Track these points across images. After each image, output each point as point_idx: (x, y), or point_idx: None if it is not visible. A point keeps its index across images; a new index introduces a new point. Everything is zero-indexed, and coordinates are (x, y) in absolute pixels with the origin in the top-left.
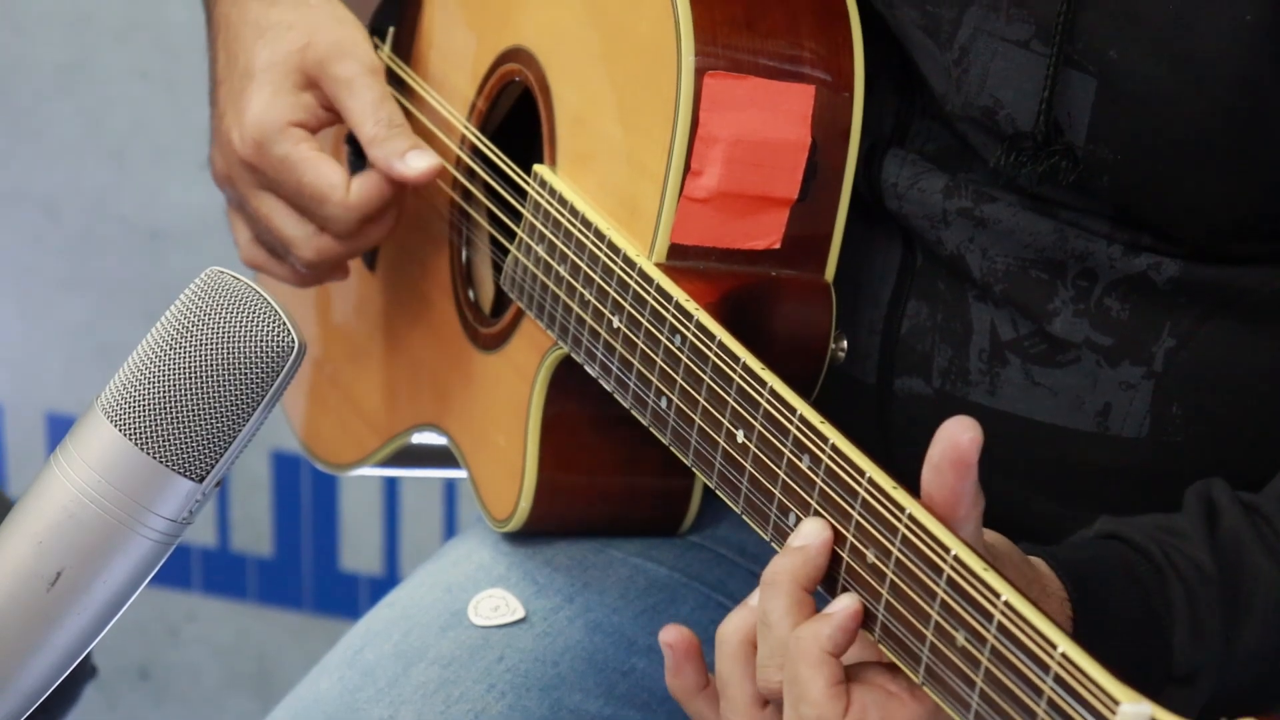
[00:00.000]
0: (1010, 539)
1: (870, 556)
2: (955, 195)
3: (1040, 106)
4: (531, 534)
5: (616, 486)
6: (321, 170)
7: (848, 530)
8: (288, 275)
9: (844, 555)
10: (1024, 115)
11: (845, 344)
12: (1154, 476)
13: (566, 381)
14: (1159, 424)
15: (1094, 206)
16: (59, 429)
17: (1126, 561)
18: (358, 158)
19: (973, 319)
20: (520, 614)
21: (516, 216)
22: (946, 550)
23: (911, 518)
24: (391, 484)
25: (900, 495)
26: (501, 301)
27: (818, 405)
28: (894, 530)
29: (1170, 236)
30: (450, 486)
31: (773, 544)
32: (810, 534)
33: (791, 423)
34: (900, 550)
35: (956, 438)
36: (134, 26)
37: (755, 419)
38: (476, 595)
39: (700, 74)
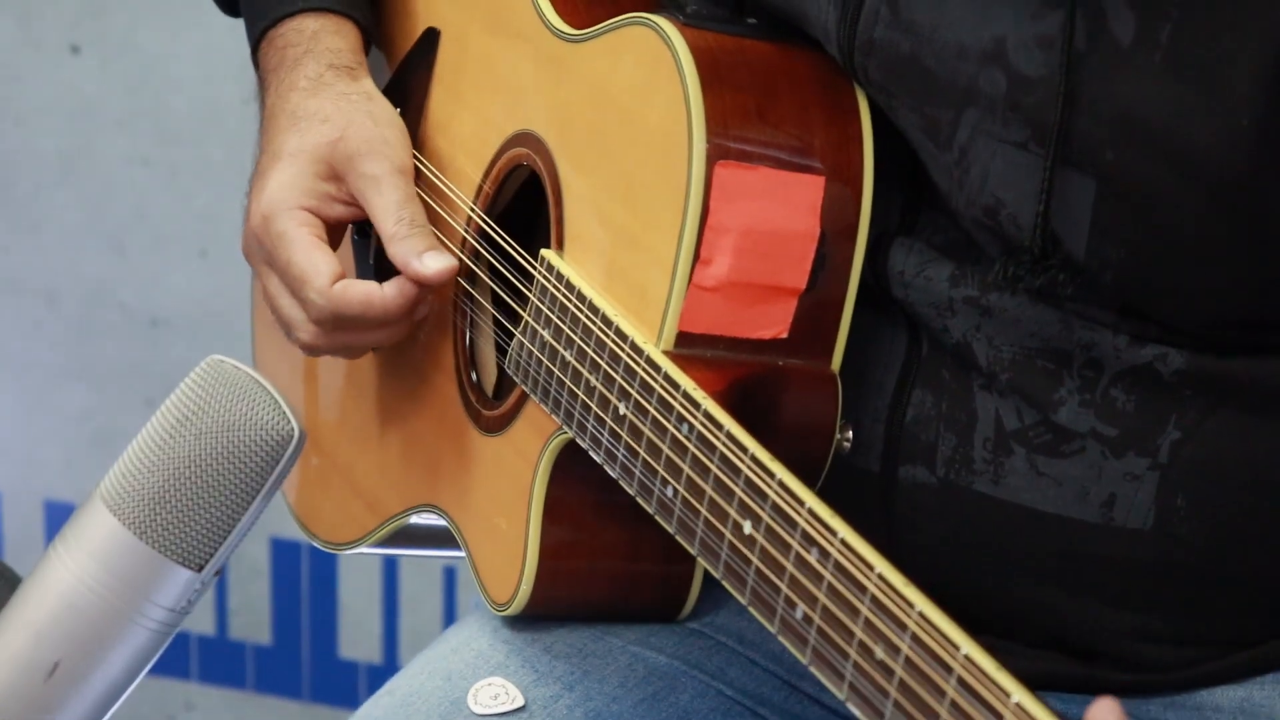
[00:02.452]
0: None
1: (879, 653)
2: (961, 284)
3: (1037, 216)
4: (532, 617)
5: (618, 571)
6: (313, 255)
7: (855, 626)
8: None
9: (851, 651)
10: (1026, 215)
11: (851, 434)
12: (1159, 568)
13: (570, 466)
14: (1164, 516)
15: (1099, 300)
16: (58, 517)
17: None
18: (360, 251)
19: (978, 408)
20: (520, 702)
21: (522, 300)
22: (957, 648)
23: (921, 615)
24: (391, 571)
25: (910, 592)
26: (504, 384)
27: (821, 493)
28: (903, 627)
29: (1176, 329)
30: (449, 574)
31: (780, 637)
32: None
33: (800, 515)
34: (910, 647)
35: None
36: (134, 115)
37: (763, 511)
38: (476, 683)
39: (711, 163)
